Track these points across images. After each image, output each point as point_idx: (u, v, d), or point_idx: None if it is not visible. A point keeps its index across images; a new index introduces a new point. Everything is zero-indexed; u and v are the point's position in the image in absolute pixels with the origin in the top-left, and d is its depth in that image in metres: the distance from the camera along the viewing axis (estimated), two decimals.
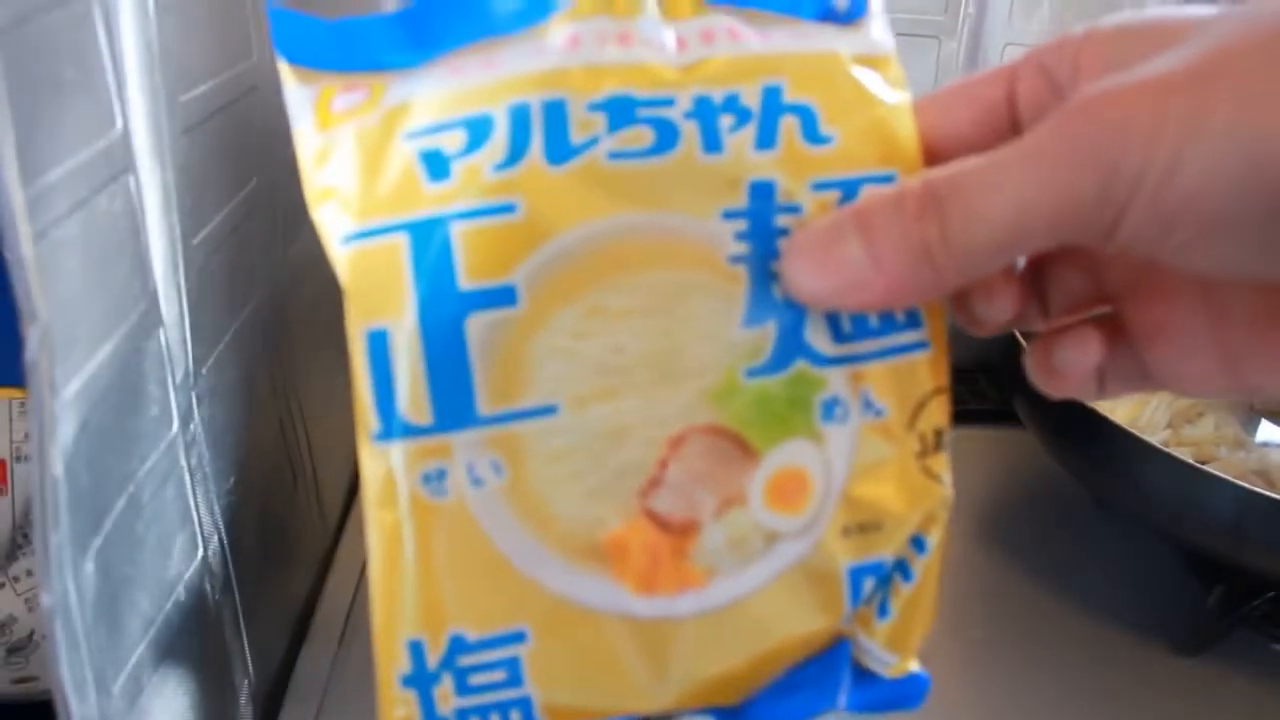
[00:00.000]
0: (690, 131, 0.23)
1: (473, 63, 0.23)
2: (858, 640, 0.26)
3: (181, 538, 0.31)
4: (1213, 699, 0.44)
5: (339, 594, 0.47)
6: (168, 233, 0.28)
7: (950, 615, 0.27)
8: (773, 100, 0.23)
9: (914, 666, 0.26)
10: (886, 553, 0.25)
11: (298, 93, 0.23)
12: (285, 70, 0.23)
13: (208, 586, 0.33)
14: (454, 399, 0.22)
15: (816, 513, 0.24)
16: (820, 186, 0.23)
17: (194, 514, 0.32)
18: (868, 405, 0.24)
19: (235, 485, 0.35)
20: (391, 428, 0.22)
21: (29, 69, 0.21)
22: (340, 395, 0.48)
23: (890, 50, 0.25)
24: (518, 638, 0.23)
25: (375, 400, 0.22)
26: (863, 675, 0.26)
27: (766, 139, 0.23)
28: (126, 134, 0.25)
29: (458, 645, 0.23)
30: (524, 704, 0.24)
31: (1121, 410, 0.53)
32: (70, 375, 0.23)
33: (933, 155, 0.24)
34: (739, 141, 0.23)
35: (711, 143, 0.23)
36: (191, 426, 0.31)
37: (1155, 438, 0.50)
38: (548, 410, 0.23)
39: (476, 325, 0.22)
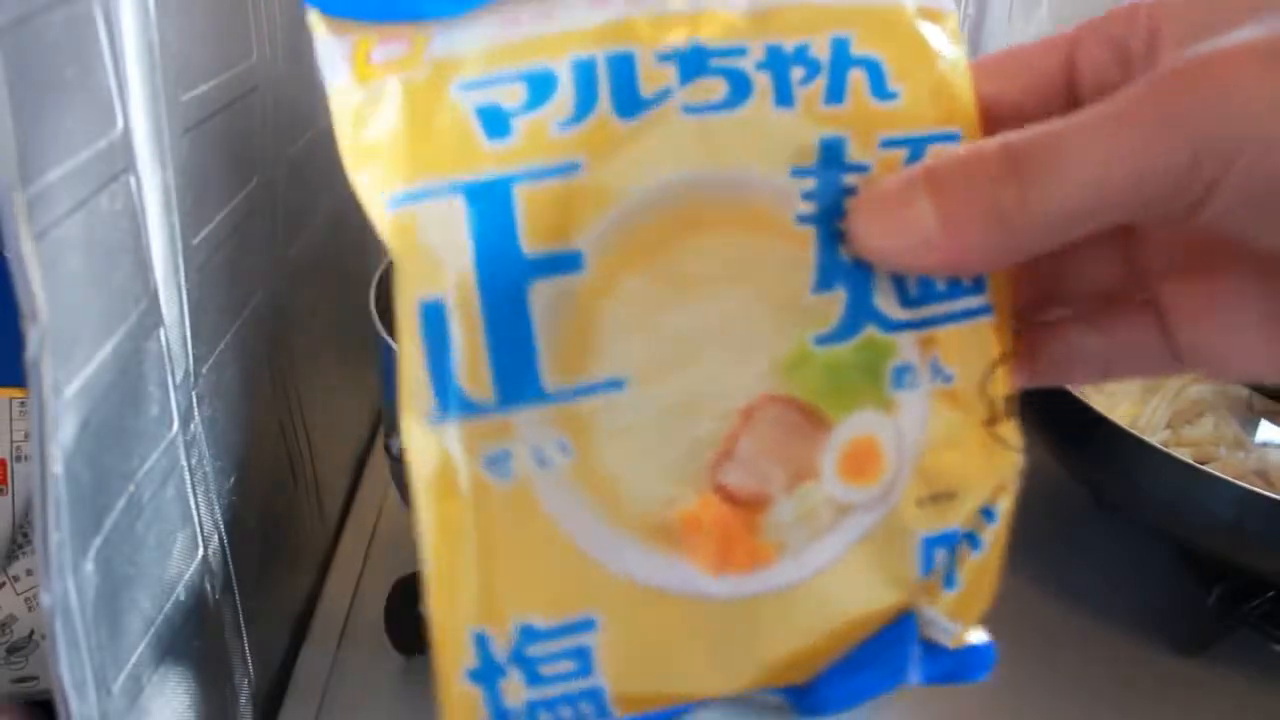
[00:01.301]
0: (763, 83, 0.22)
1: (527, 13, 0.22)
2: (921, 611, 0.25)
3: (181, 537, 0.31)
4: (1213, 699, 0.44)
5: (339, 594, 0.47)
6: (168, 232, 0.28)
7: None
8: (841, 53, 0.22)
9: (976, 636, 0.26)
10: (958, 522, 0.24)
11: (330, 44, 0.21)
12: (316, 19, 0.21)
13: (208, 586, 0.33)
14: (518, 373, 0.21)
15: (890, 483, 0.24)
16: (888, 144, 0.23)
17: (194, 514, 0.32)
18: (937, 371, 0.24)
19: (235, 485, 0.35)
20: (449, 406, 0.21)
21: (29, 69, 0.21)
22: (340, 395, 0.48)
23: (950, 5, 0.24)
24: (587, 625, 0.22)
25: (431, 377, 0.21)
26: (929, 648, 0.25)
27: (836, 93, 0.22)
28: (127, 134, 0.25)
29: (528, 635, 0.22)
30: (595, 695, 0.23)
31: (1121, 410, 0.53)
32: (71, 375, 0.23)
33: (983, 120, 0.23)
34: (809, 95, 0.22)
35: (783, 96, 0.22)
36: (191, 426, 0.31)
37: (1155, 438, 0.50)
38: (616, 384, 0.22)
39: (541, 294, 0.21)
